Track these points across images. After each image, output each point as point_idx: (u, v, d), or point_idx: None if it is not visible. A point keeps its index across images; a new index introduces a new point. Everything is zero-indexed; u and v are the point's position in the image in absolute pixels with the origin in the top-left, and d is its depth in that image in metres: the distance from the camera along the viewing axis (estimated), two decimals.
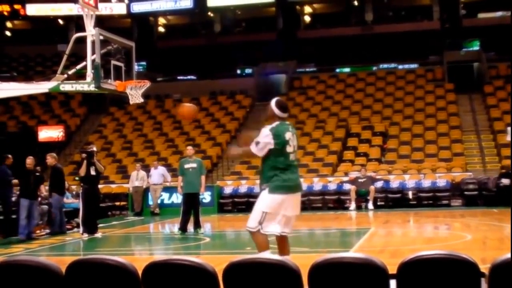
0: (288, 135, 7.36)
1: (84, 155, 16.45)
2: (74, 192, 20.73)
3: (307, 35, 41.24)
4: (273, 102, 7.52)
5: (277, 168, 7.34)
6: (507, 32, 34.14)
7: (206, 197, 23.69)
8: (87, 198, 15.99)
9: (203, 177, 16.10)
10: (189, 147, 16.70)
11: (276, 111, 7.45)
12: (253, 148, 7.38)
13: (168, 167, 25.22)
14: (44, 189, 16.66)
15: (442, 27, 39.78)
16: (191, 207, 15.93)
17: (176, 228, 16.34)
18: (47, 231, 17.12)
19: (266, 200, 7.37)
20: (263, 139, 7.32)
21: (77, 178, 20.54)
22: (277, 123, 7.42)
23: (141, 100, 13.10)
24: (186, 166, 15.99)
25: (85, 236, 15.88)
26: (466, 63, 37.28)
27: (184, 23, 45.34)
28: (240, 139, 8.05)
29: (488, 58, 35.97)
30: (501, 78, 33.65)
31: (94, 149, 16.83)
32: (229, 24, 43.79)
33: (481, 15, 40.00)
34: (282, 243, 7.53)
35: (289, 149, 7.38)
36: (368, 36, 39.69)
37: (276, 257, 3.81)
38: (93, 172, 16.07)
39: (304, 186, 24.00)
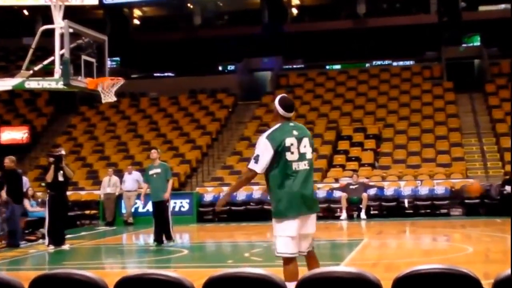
0: (289, 140, 6.88)
1: (51, 159, 16.37)
2: (39, 200, 20.61)
3: (295, 29, 41.30)
4: (276, 100, 7.11)
5: (278, 184, 6.91)
6: (510, 26, 34.34)
7: (184, 205, 23.69)
8: (54, 206, 15.89)
9: (170, 182, 15.98)
10: (153, 151, 16.49)
11: (280, 110, 7.02)
12: (253, 165, 6.88)
13: (143, 172, 25.11)
14: (4, 195, 16.46)
15: (440, 21, 39.97)
16: (159, 216, 15.91)
17: (151, 240, 16.33)
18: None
19: (274, 225, 7.02)
20: (261, 150, 6.87)
21: (43, 184, 20.43)
22: (275, 127, 7.03)
23: (114, 98, 13.06)
24: (151, 172, 15.98)
25: (51, 248, 15.78)
26: (466, 59, 37.47)
27: (161, 15, 45.28)
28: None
29: (489, 55, 36.19)
30: (503, 76, 33.86)
31: (63, 152, 16.72)
32: (210, 16, 43.78)
33: (482, 8, 40.25)
34: (309, 260, 7.19)
35: (290, 156, 6.87)
36: (360, 31, 39.82)
37: (260, 271, 3.79)
38: (61, 178, 15.98)
39: None
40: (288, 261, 6.95)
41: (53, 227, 15.92)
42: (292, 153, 6.89)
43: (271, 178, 6.97)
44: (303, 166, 6.92)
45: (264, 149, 6.88)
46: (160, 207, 15.88)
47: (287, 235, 6.91)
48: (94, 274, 3.84)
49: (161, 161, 16.84)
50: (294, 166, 6.89)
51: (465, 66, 37.20)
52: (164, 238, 15.98)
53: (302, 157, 6.92)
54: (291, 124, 7.06)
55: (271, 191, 7.03)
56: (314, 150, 7.25)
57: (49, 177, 15.94)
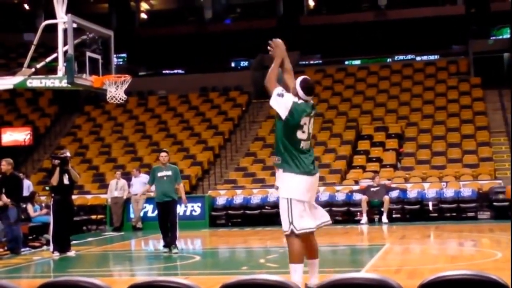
0: (304, 120, 7.42)
1: (56, 161, 16.41)
2: (43, 204, 20.69)
3: (312, 22, 41.24)
4: (298, 81, 7.59)
5: (287, 150, 7.43)
6: None
7: (196, 209, 23.72)
8: (59, 211, 15.95)
9: (181, 186, 16.10)
10: (164, 154, 16.56)
11: (300, 92, 7.51)
12: (274, 95, 7.47)
13: None
14: (4, 199, 16.47)
15: (467, 12, 39.77)
16: (166, 218, 15.89)
17: (161, 246, 16.37)
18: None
19: (285, 181, 7.39)
20: (284, 103, 7.40)
21: (47, 188, 20.51)
22: (301, 102, 7.49)
23: (123, 97, 13.06)
24: (160, 174, 16.01)
25: (56, 255, 15.84)
26: (495, 53, 37.25)
27: (170, 9, 45.31)
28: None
29: None
30: None
31: (68, 154, 16.81)
32: (221, 10, 43.80)
33: None
34: (309, 242, 7.45)
35: (300, 135, 7.45)
36: (381, 23, 39.70)
37: (276, 277, 3.80)
38: (66, 181, 16.05)
39: None
40: (296, 242, 7.54)
41: (58, 233, 15.98)
42: (303, 132, 7.49)
43: (283, 142, 7.51)
44: (307, 145, 7.52)
45: (287, 104, 7.42)
46: (166, 209, 15.87)
47: (301, 199, 7.55)
48: (101, 282, 3.87)
49: (170, 163, 16.89)
50: (302, 144, 7.48)
51: (494, 60, 37.00)
52: (163, 244, 16.03)
53: (308, 136, 7.52)
54: (310, 104, 7.65)
55: (278, 149, 7.57)
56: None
57: (54, 180, 16.00)
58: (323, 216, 7.65)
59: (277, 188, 7.50)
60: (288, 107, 7.37)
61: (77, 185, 20.21)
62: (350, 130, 30.40)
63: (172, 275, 12.27)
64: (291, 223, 7.23)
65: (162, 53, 41.53)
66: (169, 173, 15.99)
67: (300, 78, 7.64)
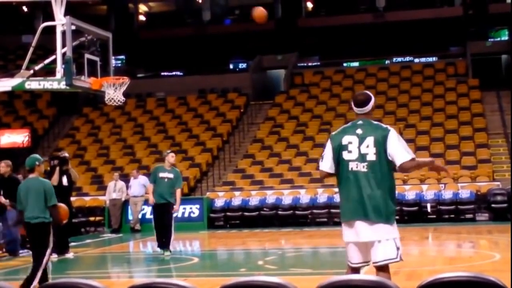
0: (347, 138, 6.82)
1: (55, 161, 16.38)
2: None
3: (310, 24, 41.25)
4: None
5: (339, 185, 6.90)
6: None
7: (194, 210, 23.75)
8: None
9: (179, 191, 15.95)
10: (172, 154, 16.45)
11: (353, 107, 7.12)
12: (320, 164, 7.00)
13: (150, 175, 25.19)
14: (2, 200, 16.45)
15: (465, 14, 39.76)
16: (161, 220, 15.80)
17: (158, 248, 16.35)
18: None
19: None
20: (325, 149, 6.95)
21: None
22: (346, 125, 7.10)
23: (122, 99, 13.05)
24: (162, 175, 15.88)
25: (54, 257, 15.80)
26: (493, 55, 37.29)
27: (168, 11, 45.31)
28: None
29: None
30: None
31: (66, 155, 16.78)
32: (220, 11, 43.80)
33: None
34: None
35: (346, 155, 6.77)
36: (379, 25, 39.71)
37: (274, 279, 3.80)
38: (65, 183, 16.02)
39: (307, 198, 24.06)
40: (349, 270, 6.94)
41: (56, 235, 15.94)
42: (349, 152, 6.80)
43: (338, 179, 6.93)
44: (361, 167, 6.73)
45: (327, 148, 6.95)
46: (162, 210, 15.77)
47: (345, 241, 6.93)
48: (100, 284, 3.86)
49: (173, 166, 16.81)
50: (351, 165, 6.77)
51: (492, 62, 37.03)
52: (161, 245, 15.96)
53: (362, 157, 6.74)
54: (360, 122, 7.00)
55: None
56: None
57: (55, 180, 15.92)
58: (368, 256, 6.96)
59: None
60: (329, 145, 6.94)
61: (75, 186, 20.21)
62: None
63: (171, 277, 12.27)
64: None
65: (161, 55, 41.53)
66: (171, 175, 15.84)
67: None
